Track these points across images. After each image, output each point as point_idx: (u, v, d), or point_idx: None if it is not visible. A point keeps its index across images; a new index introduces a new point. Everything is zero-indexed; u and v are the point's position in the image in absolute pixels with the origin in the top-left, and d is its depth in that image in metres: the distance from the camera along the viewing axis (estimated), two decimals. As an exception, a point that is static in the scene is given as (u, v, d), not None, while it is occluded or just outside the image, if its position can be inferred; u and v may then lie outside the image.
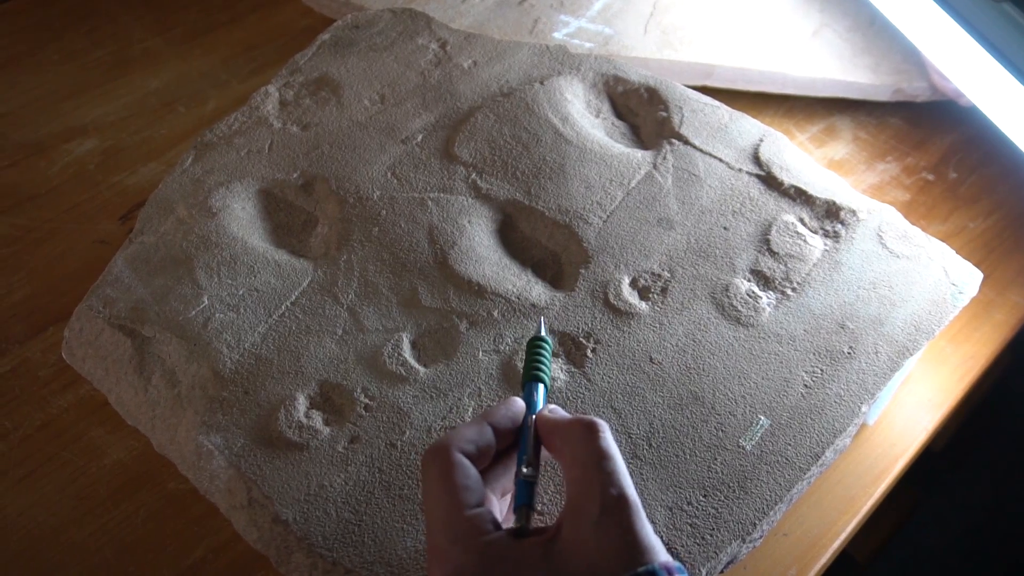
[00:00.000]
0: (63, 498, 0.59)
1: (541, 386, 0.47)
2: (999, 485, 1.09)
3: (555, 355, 0.56)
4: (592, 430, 0.42)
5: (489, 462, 0.45)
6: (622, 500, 0.40)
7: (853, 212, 0.64)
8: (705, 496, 0.52)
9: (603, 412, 0.54)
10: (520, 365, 0.54)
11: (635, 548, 0.39)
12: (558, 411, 0.46)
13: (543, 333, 0.50)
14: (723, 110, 0.71)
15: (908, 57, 0.86)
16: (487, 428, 0.44)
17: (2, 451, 0.61)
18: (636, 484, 0.44)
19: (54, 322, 0.67)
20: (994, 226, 0.79)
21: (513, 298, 0.59)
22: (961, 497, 1.10)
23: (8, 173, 0.77)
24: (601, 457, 0.41)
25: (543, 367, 0.47)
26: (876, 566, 1.02)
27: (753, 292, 0.60)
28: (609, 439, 0.42)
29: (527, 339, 0.54)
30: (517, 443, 0.46)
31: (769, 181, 0.66)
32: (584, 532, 0.39)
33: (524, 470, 0.44)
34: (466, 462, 0.43)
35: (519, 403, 0.46)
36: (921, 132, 0.85)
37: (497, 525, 0.42)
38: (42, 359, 0.65)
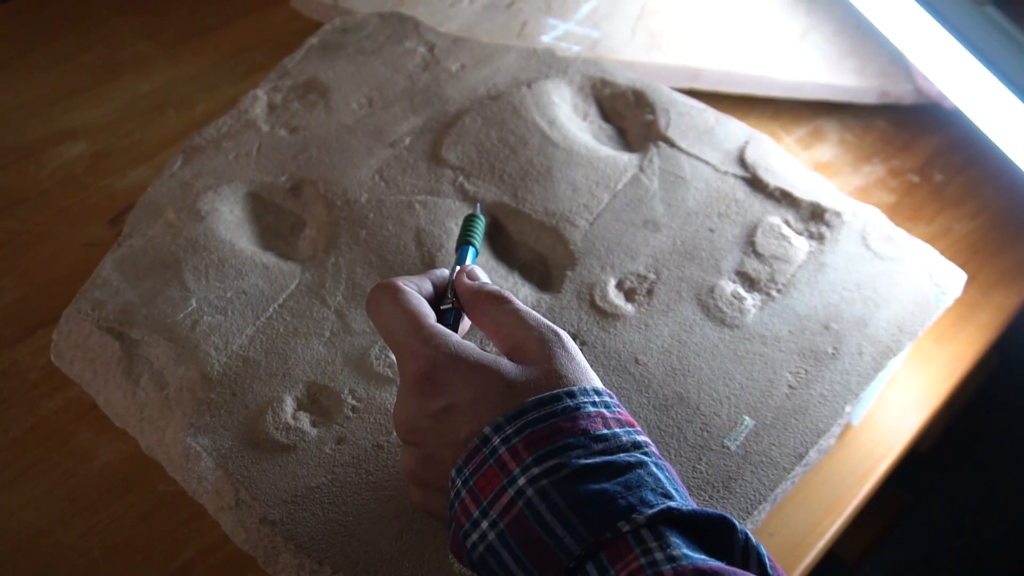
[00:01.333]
0: (53, 500, 0.59)
1: (471, 249, 0.55)
2: (987, 486, 1.10)
3: None
4: (502, 300, 0.48)
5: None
6: (553, 333, 0.47)
7: (838, 214, 0.65)
8: (690, 496, 0.52)
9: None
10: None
11: (574, 370, 0.45)
12: (476, 272, 0.51)
13: (478, 212, 0.58)
14: (709, 113, 0.72)
15: (894, 60, 0.86)
16: (427, 280, 0.51)
17: (-9, 454, 0.61)
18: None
19: (43, 325, 0.67)
20: (979, 228, 0.79)
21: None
22: (949, 498, 1.10)
23: (-3, 177, 0.77)
24: (518, 316, 0.48)
25: (474, 234, 0.56)
26: (864, 567, 1.02)
27: (738, 293, 0.61)
28: (517, 301, 0.49)
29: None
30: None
31: (755, 183, 0.67)
32: (529, 357, 0.46)
33: (446, 305, 0.51)
34: (413, 291, 0.49)
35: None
36: (907, 135, 0.86)
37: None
38: (31, 362, 0.65)
